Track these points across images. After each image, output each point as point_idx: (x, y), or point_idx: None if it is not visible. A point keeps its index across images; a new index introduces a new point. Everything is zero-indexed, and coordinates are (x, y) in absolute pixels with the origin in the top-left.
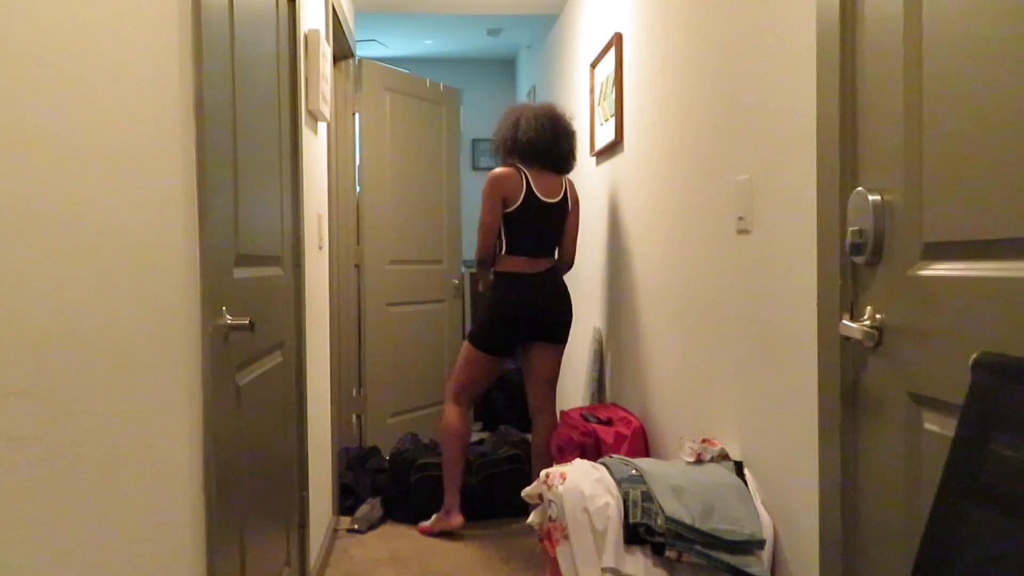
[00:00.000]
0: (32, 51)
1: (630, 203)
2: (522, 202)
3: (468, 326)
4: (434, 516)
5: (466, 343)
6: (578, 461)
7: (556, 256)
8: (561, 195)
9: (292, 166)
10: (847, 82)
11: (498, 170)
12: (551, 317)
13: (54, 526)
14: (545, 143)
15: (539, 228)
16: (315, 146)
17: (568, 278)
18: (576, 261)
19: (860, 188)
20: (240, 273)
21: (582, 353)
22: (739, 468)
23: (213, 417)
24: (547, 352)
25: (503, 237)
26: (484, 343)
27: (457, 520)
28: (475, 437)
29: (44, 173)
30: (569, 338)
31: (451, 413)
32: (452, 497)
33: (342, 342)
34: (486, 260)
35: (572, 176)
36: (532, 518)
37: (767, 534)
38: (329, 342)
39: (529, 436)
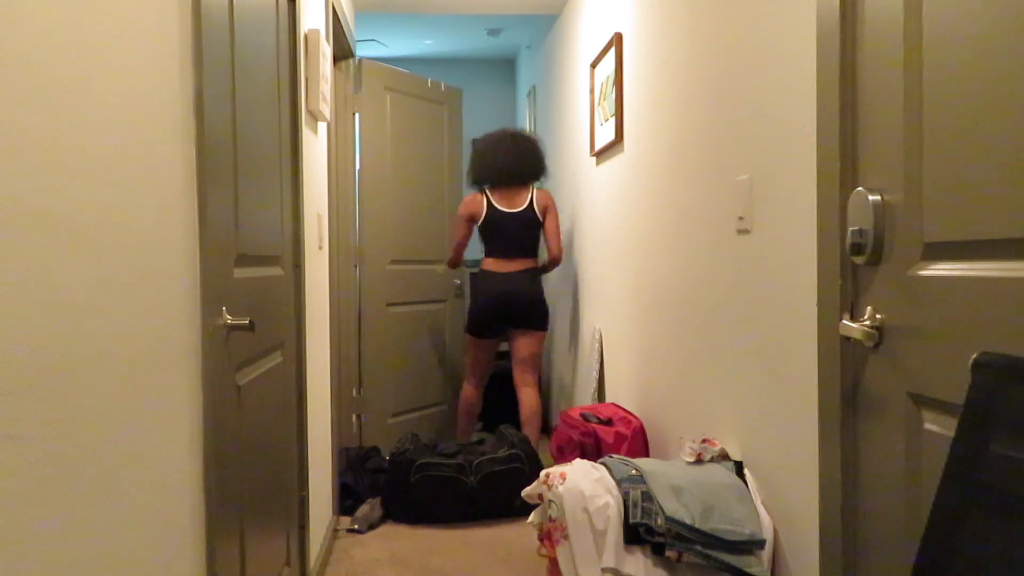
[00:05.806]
0: (32, 51)
1: (630, 203)
2: (486, 216)
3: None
4: None
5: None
6: (578, 461)
7: (542, 255)
8: (526, 204)
9: (292, 166)
10: (847, 82)
11: (466, 195)
12: (518, 308)
13: (54, 526)
14: (495, 171)
15: (508, 234)
16: (315, 146)
17: (568, 277)
18: (576, 261)
19: (860, 188)
20: (240, 273)
21: (582, 353)
22: (739, 468)
23: (213, 417)
24: (524, 337)
25: (483, 244)
26: (469, 327)
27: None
28: (475, 437)
29: (44, 173)
30: (568, 338)
31: (465, 388)
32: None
33: (342, 342)
34: (453, 264)
35: (572, 178)
36: (532, 518)
37: (767, 534)
38: (329, 342)
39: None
